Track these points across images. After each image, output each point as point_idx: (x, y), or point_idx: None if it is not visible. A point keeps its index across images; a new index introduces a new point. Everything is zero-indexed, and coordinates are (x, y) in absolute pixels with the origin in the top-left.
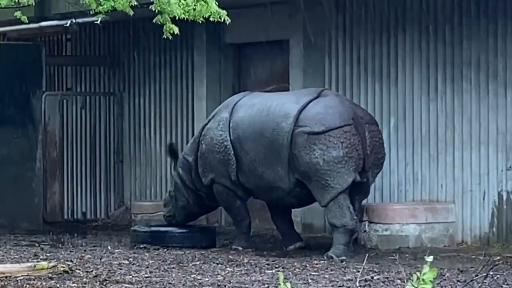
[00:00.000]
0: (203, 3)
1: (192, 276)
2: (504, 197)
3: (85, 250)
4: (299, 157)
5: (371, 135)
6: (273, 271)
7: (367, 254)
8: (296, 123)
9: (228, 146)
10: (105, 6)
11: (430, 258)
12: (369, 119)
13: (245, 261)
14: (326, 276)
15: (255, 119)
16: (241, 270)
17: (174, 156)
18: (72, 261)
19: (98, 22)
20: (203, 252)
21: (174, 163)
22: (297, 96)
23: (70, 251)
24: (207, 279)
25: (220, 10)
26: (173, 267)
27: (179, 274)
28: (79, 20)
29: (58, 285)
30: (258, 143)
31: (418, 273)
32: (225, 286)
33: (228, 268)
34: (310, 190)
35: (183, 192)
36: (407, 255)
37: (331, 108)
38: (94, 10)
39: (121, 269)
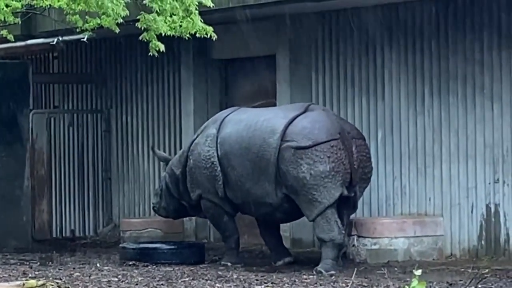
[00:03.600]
0: (189, 19)
1: None
2: (492, 210)
3: (74, 268)
4: (286, 172)
5: (358, 150)
6: (263, 286)
7: (356, 268)
8: (283, 138)
9: (215, 162)
10: (91, 24)
11: (419, 272)
12: (356, 134)
13: (234, 277)
14: None
15: (243, 135)
16: (231, 286)
17: (161, 159)
18: (61, 279)
19: (85, 39)
20: (192, 268)
21: (165, 164)
22: (284, 111)
23: (59, 269)
24: None
25: (206, 27)
26: (162, 284)
27: None
28: (66, 38)
29: None
30: (245, 159)
31: (407, 287)
32: None
33: (217, 284)
34: (298, 204)
35: (166, 197)
36: (396, 269)
37: (318, 123)
38: (80, 27)
39: (110, 286)
